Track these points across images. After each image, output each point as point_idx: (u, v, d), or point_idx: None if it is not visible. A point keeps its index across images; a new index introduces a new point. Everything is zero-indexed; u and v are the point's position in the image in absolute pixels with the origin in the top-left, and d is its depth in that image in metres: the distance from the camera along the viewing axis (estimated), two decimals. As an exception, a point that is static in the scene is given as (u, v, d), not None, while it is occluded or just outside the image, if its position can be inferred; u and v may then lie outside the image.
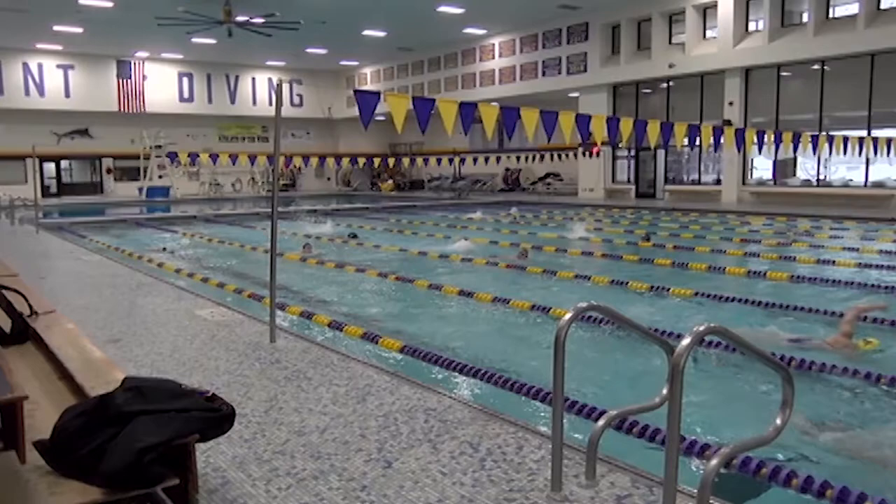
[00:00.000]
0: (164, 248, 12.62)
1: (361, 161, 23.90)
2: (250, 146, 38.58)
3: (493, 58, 32.25)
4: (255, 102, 38.92)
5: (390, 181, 38.82)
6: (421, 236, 15.80)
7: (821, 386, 5.16)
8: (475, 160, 27.77)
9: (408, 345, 6.04)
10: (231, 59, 35.77)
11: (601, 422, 3.07)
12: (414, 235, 16.12)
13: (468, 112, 6.45)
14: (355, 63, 39.24)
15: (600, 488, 3.06)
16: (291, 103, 39.34)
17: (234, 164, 19.57)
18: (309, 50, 33.66)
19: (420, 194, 33.94)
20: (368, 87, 38.33)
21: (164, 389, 2.75)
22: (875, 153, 15.62)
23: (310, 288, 9.64)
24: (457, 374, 5.38)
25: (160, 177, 34.12)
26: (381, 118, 28.66)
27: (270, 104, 36.62)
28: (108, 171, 36.24)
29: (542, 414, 4.45)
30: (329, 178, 41.78)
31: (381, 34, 30.46)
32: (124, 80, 34.91)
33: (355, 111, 5.57)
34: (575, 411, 4.34)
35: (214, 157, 18.50)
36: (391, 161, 25.13)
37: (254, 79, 38.79)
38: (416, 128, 6.19)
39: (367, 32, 29.94)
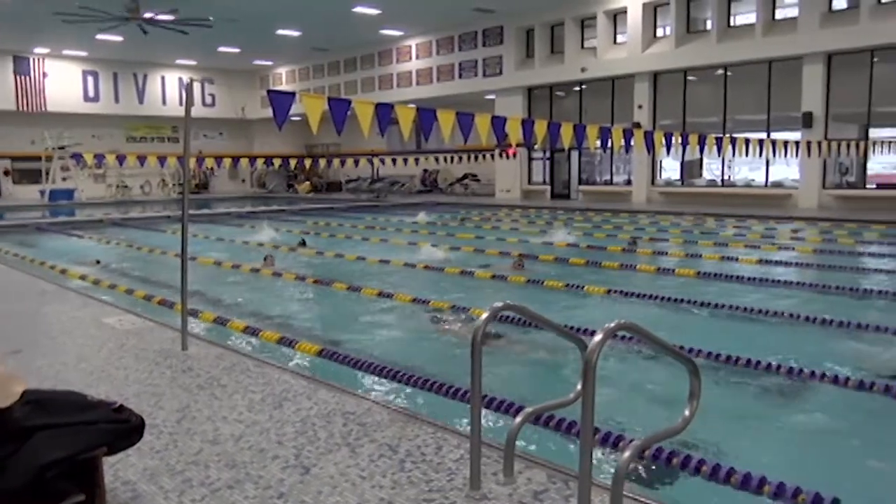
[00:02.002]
0: (98, 262, 11.74)
1: (277, 162, 23.45)
2: (160, 147, 37.27)
3: (411, 59, 32.29)
4: (164, 102, 37.65)
5: (307, 182, 38.28)
6: (356, 239, 15.66)
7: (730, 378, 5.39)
8: (393, 161, 27.71)
9: (325, 348, 5.98)
10: (139, 57, 34.48)
11: (518, 419, 3.12)
12: (359, 240, 15.95)
13: (385, 113, 6.43)
14: (270, 63, 38.53)
15: (518, 485, 3.10)
16: (203, 103, 38.28)
17: (142, 165, 18.87)
18: (221, 49, 32.83)
19: (338, 196, 33.64)
20: (284, 87, 37.71)
21: (67, 402, 2.63)
22: (774, 155, 16.44)
23: (250, 300, 9.40)
24: (376, 376, 5.36)
25: (64, 179, 32.55)
26: (297, 119, 28.25)
27: (181, 104, 35.50)
28: (6, 172, 34.33)
29: (462, 413, 4.48)
30: (244, 180, 40.88)
31: (296, 34, 30.02)
32: (22, 77, 33.14)
33: (270, 112, 5.46)
34: (493, 409, 4.40)
35: (122, 159, 17.79)
36: (308, 162, 24.72)
37: (163, 78, 37.52)
38: (333, 129, 6.12)
39: (281, 32, 29.44)
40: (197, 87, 37.64)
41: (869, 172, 21.19)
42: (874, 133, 20.68)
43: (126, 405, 2.80)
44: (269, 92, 5.42)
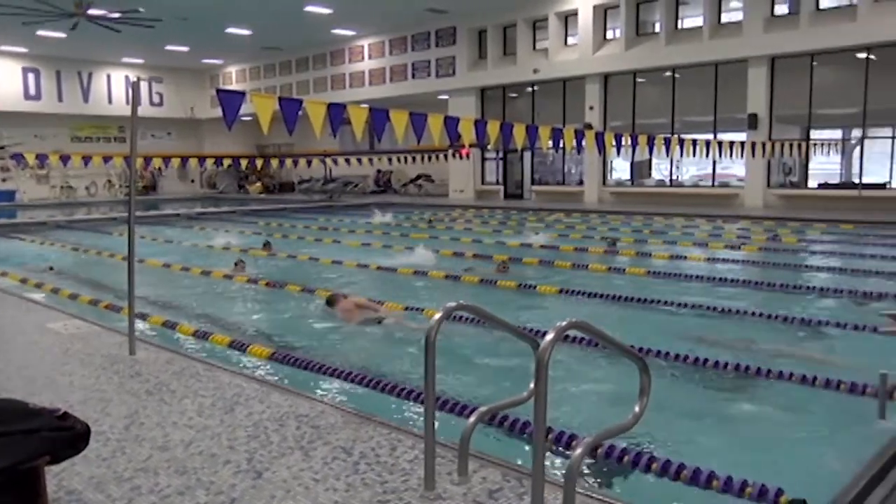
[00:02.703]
0: (51, 268, 11.32)
1: (227, 162, 23.11)
2: (106, 147, 36.36)
3: (363, 59, 32.15)
4: (110, 101, 36.72)
5: (259, 183, 37.79)
6: (309, 241, 15.50)
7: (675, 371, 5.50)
8: (346, 161, 27.58)
9: (278, 351, 5.91)
10: (83, 54, 33.55)
11: (472, 418, 3.13)
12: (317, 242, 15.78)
13: (337, 113, 6.40)
14: (220, 62, 37.94)
15: (472, 484, 3.11)
16: (151, 102, 37.47)
17: (87, 166, 18.40)
18: (169, 47, 32.17)
19: (291, 197, 33.29)
20: (234, 86, 37.14)
21: (6, 410, 2.54)
22: (720, 155, 16.87)
23: (200, 303, 9.21)
24: (329, 378, 5.32)
25: (4, 180, 31.54)
26: (248, 118, 27.90)
27: (128, 103, 34.71)
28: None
29: (416, 414, 4.48)
30: (193, 181, 40.14)
31: (246, 33, 29.61)
32: (-43, 75, 32.02)
33: (220, 111, 5.38)
34: (447, 409, 4.40)
35: (66, 159, 17.33)
36: (259, 162, 24.42)
37: (109, 76, 36.58)
38: (285, 129, 6.06)
39: (231, 30, 28.99)
40: (144, 86, 36.84)
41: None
42: (815, 134, 21.36)
43: (71, 412, 2.72)
44: (218, 91, 5.35)
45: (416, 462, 3.35)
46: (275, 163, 27.30)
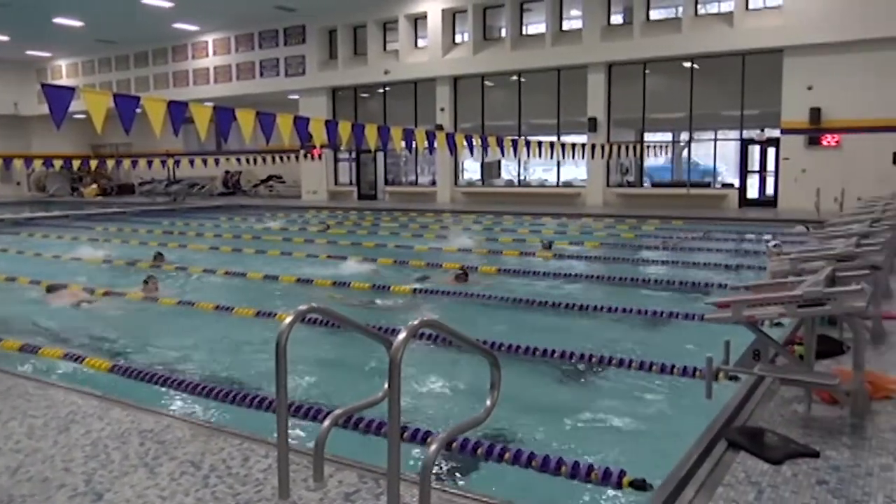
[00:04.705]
0: None
1: (58, 163, 21.46)
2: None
3: (207, 56, 30.94)
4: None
5: (94, 185, 35.38)
6: (152, 246, 14.63)
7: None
8: (191, 162, 26.35)
9: (118, 364, 5.56)
10: None
11: (327, 422, 3.09)
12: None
13: (179, 112, 6.11)
14: (47, 54, 35.17)
15: (328, 489, 3.07)
16: (-33, 97, 34.16)
17: None
18: (-14, 37, 29.52)
19: (130, 199, 31.44)
20: (64, 81, 34.55)
21: None
22: (564, 156, 17.69)
23: (27, 315, 8.43)
24: (175, 390, 5.07)
25: None
26: (81, 116, 26.03)
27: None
28: None
29: (270, 422, 4.36)
30: (19, 183, 36.98)
31: (77, 23, 27.64)
32: None
33: (48, 108, 4.99)
34: (302, 415, 4.32)
35: None
36: (93, 163, 22.83)
37: (-86, 67, 33.03)
38: (122, 127, 5.72)
39: (59, 20, 26.94)
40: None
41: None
42: (648, 137, 22.93)
43: None
44: (43, 86, 4.96)
45: (269, 471, 3.26)
46: (111, 163, 25.67)
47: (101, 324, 7.93)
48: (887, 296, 6.66)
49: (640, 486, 3.37)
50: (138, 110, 5.84)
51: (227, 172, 33.64)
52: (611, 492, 3.45)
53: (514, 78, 24.60)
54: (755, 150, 21.14)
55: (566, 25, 23.56)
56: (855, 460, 3.34)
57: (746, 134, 21.04)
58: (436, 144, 11.21)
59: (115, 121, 5.69)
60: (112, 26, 28.55)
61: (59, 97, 5.00)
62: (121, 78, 33.57)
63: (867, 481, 3.14)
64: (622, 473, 3.45)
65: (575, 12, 23.37)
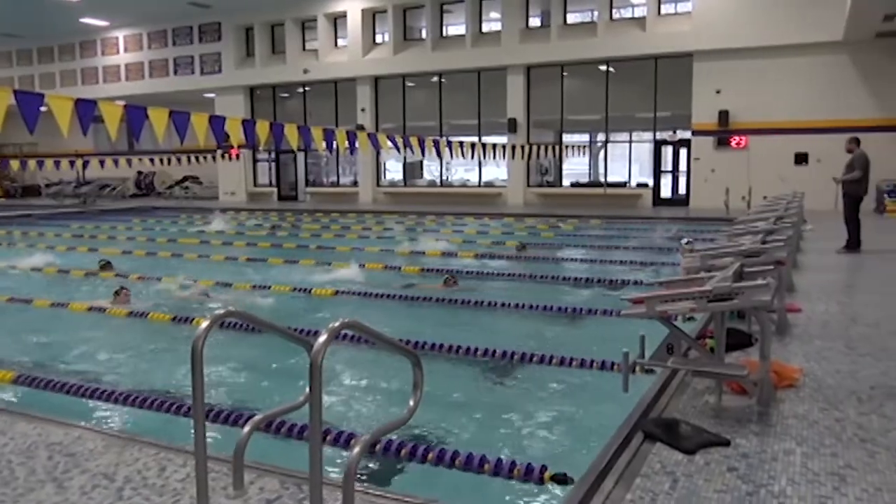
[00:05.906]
0: None
1: (-45, 164, 20.24)
2: None
3: (118, 52, 29.81)
4: None
5: (-3, 188, 33.60)
6: (59, 251, 13.95)
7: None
8: (101, 163, 25.28)
9: (23, 374, 5.29)
10: None
11: (247, 428, 3.03)
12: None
13: (87, 110, 5.86)
14: (-61, 47, 33.18)
15: (250, 496, 3.01)
16: None
17: None
18: None
19: (36, 202, 29.96)
20: (-39, 77, 32.67)
21: None
22: (485, 157, 17.85)
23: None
24: (87, 400, 4.86)
25: None
26: (-20, 114, 24.56)
27: None
28: None
29: (188, 430, 4.23)
30: (-90, 185, 34.75)
31: (-26, 16, 26.20)
32: None
33: (-62, 105, 4.70)
34: (221, 421, 4.22)
35: None
36: (-5, 164, 21.68)
37: None
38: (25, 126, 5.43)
39: (-47, 12, 25.51)
40: None
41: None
42: (566, 138, 23.42)
43: None
44: (-64, 82, 4.66)
45: (188, 481, 3.17)
46: (15, 164, 24.42)
47: (2, 334, 7.54)
48: (791, 289, 7.01)
49: (561, 480, 3.44)
50: (43, 108, 5.56)
51: (139, 173, 32.47)
52: (534, 487, 3.50)
53: (435, 79, 24.68)
54: (668, 151, 21.88)
55: (486, 27, 23.81)
56: (762, 447, 3.50)
57: (659, 135, 21.75)
58: (357, 144, 11.12)
59: (17, 119, 5.41)
60: (12, 19, 27.14)
61: (-47, 94, 4.72)
62: (23, 74, 32.00)
63: (772, 466, 3.29)
64: (543, 468, 3.51)
65: (494, 14, 23.64)
